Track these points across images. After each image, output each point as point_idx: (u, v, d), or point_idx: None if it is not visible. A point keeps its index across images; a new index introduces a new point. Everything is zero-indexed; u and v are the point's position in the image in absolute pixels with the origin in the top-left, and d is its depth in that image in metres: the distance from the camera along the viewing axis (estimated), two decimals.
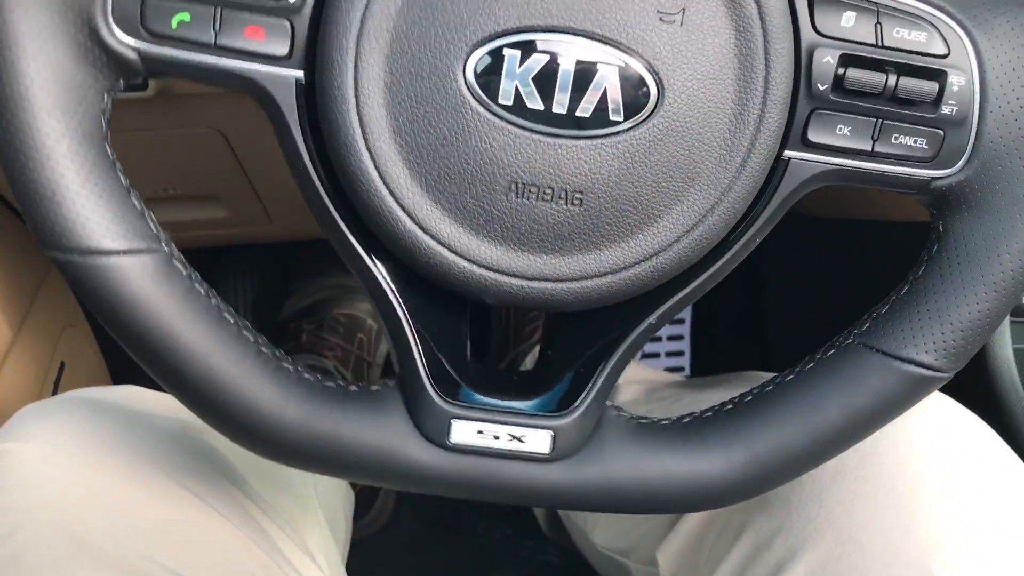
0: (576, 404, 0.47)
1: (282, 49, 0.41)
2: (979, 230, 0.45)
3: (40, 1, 0.39)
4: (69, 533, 0.51)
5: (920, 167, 0.45)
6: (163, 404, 0.61)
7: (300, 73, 0.41)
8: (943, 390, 0.50)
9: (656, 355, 1.44)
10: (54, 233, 0.41)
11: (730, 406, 0.49)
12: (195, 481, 0.57)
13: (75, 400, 0.59)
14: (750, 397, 0.49)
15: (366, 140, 0.41)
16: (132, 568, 0.51)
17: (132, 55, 0.41)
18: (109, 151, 0.42)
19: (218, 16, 0.40)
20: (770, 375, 0.50)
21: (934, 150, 0.44)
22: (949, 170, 0.45)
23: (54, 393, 1.01)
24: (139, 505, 0.54)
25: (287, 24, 0.41)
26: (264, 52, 0.41)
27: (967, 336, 0.46)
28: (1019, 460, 0.58)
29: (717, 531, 0.65)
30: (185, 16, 0.40)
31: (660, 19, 0.41)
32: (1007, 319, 0.84)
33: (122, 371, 1.22)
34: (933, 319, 0.46)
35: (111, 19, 0.40)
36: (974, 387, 0.82)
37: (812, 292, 1.15)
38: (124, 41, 0.40)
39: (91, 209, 0.40)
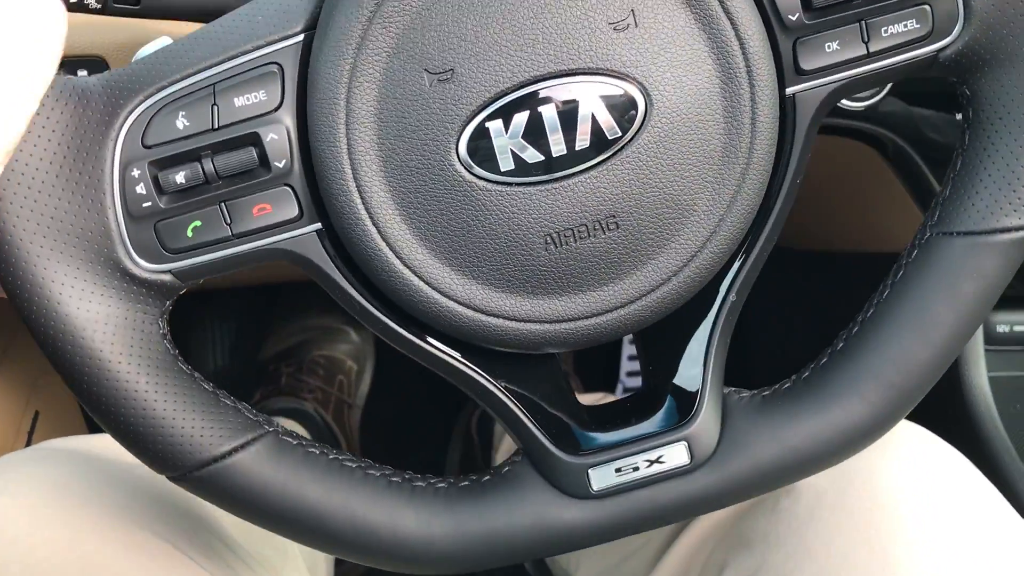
0: (696, 404, 0.47)
1: (292, 212, 0.43)
2: (1006, 78, 0.45)
3: (73, 272, 0.41)
4: None
5: (921, 46, 0.44)
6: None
7: (318, 224, 0.43)
8: (919, 421, 0.50)
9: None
10: (166, 464, 0.44)
11: (841, 344, 0.48)
12: (173, 532, 0.56)
13: (52, 451, 0.58)
14: (856, 328, 0.48)
15: (400, 259, 0.42)
16: None
17: (167, 278, 0.43)
18: (183, 366, 0.44)
19: (225, 210, 0.42)
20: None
21: (927, 26, 0.44)
22: (950, 37, 0.44)
23: (29, 442, 1.00)
24: (117, 559, 0.53)
25: (288, 189, 0.42)
26: (278, 221, 0.43)
27: None
28: (997, 492, 0.58)
29: (699, 569, 0.65)
30: (197, 223, 0.42)
31: (615, 29, 0.41)
32: (982, 348, 0.85)
33: None
34: (999, 180, 0.45)
35: (134, 255, 0.42)
36: (951, 417, 0.83)
37: (795, 325, 1.16)
38: (154, 269, 0.42)
39: (194, 427, 0.43)
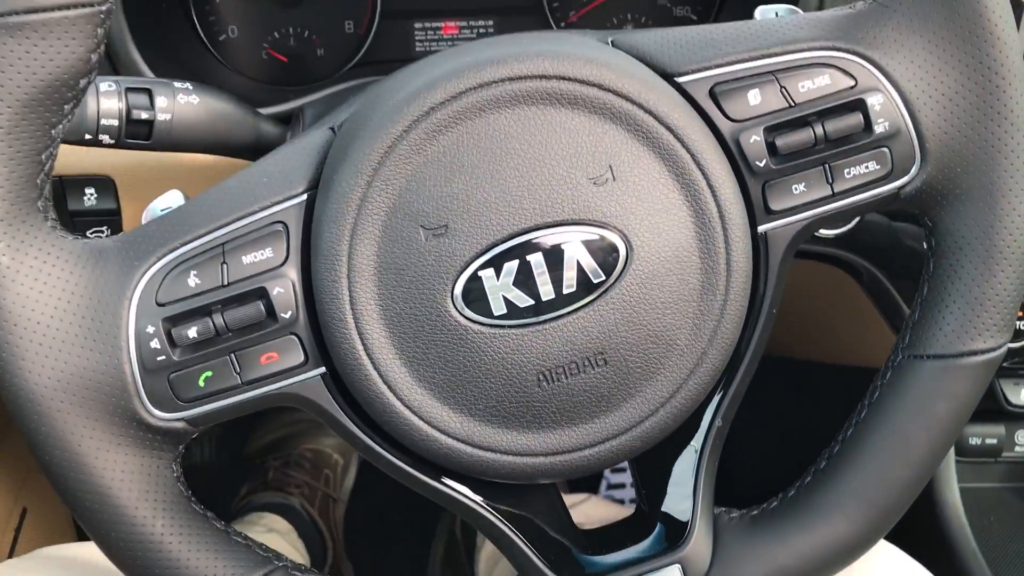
0: (688, 527, 0.49)
1: (298, 358, 0.45)
2: (964, 211, 0.47)
3: (91, 424, 0.44)
4: None
5: (882, 184, 0.47)
6: None
7: (322, 368, 0.46)
8: (893, 535, 0.52)
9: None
10: None
11: (824, 463, 0.50)
12: None
13: (45, 559, 0.60)
14: (837, 447, 0.50)
15: (401, 400, 0.45)
16: None
17: (180, 425, 0.45)
18: (195, 506, 0.47)
19: (234, 360, 0.45)
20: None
21: (887, 166, 0.47)
22: (908, 176, 0.47)
23: (15, 538, 0.99)
24: None
25: (294, 338, 0.45)
26: (285, 368, 0.45)
27: (1005, 305, 0.48)
28: None
29: None
30: (208, 373, 0.45)
31: (594, 183, 0.44)
32: (953, 461, 0.87)
33: None
34: (963, 306, 0.48)
35: (149, 406, 0.44)
36: (924, 532, 0.84)
37: (774, 432, 1.18)
38: (168, 418, 0.45)
39: (207, 566, 0.45)
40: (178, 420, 0.45)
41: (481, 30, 0.84)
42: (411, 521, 1.40)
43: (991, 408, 0.87)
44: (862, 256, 0.75)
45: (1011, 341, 0.50)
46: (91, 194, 0.72)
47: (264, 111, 0.67)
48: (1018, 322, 0.81)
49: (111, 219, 0.74)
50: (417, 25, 0.83)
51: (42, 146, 0.43)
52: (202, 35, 0.80)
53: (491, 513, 0.48)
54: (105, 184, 0.72)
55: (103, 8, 0.42)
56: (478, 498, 0.48)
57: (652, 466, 0.51)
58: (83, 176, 0.72)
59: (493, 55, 0.44)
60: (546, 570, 0.48)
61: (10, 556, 0.98)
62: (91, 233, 0.75)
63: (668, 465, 0.50)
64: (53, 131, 0.44)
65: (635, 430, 0.46)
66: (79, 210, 0.73)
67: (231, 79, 0.80)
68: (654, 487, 0.50)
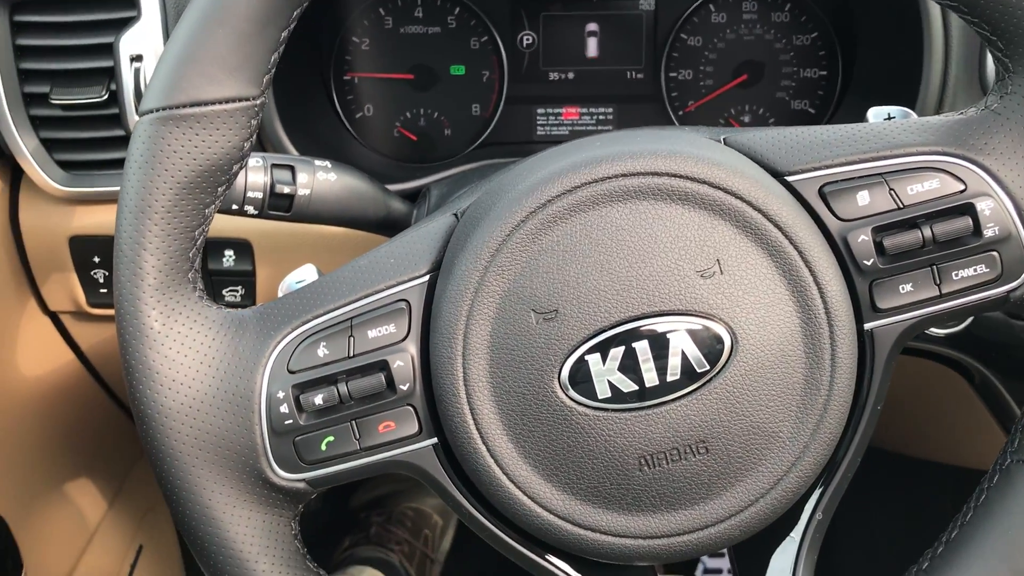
0: None
1: (413, 428, 0.48)
2: None
3: (222, 480, 0.48)
4: None
5: (991, 287, 0.47)
6: None
7: (434, 439, 0.48)
8: None
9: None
10: None
11: (927, 563, 0.50)
12: None
13: None
14: (941, 548, 0.50)
15: (507, 475, 0.47)
16: None
17: (301, 486, 0.49)
18: (310, 564, 0.50)
19: (355, 427, 0.48)
20: None
21: (996, 270, 0.47)
22: (1019, 279, 0.47)
23: (131, 574, 1.05)
24: None
25: (410, 408, 0.48)
26: (400, 437, 0.48)
27: None
28: None
29: None
30: (330, 438, 0.48)
31: (701, 276, 0.46)
32: None
33: None
34: None
35: (275, 466, 0.48)
36: None
37: (873, 525, 1.15)
38: (291, 478, 0.48)
39: None
40: (300, 481, 0.48)
41: (601, 116, 0.87)
42: None
43: None
44: (974, 356, 0.74)
45: None
46: (230, 256, 0.79)
47: (393, 187, 0.71)
48: None
49: (246, 280, 0.80)
50: (539, 110, 0.87)
51: (196, 223, 0.48)
52: (340, 114, 0.86)
53: None
54: (244, 247, 0.78)
55: (258, 102, 0.47)
56: (577, 573, 0.49)
57: (751, 555, 0.51)
58: (224, 239, 0.78)
59: (609, 152, 0.47)
60: None
61: None
62: (227, 291, 0.80)
63: (767, 555, 0.50)
64: (207, 210, 0.49)
65: (734, 519, 0.47)
66: (218, 270, 0.80)
67: (364, 155, 0.86)
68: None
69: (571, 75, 0.87)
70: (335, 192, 0.62)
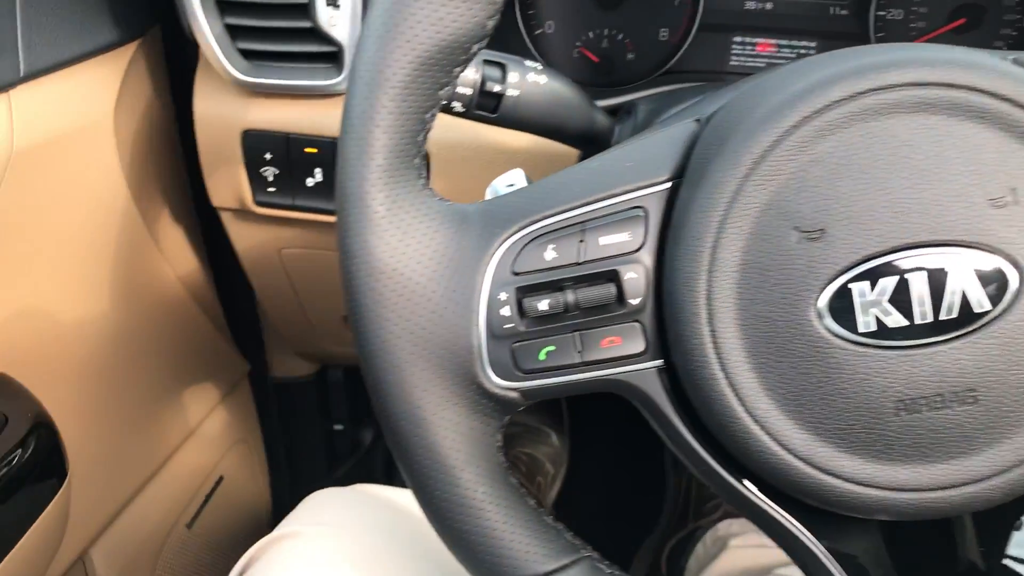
0: None
1: (639, 347, 0.44)
2: None
3: (434, 380, 0.45)
4: None
5: None
6: None
7: (659, 362, 0.45)
8: None
9: None
10: (496, 572, 0.46)
11: None
12: None
13: (361, 493, 0.64)
14: None
15: (744, 406, 0.43)
16: None
17: (513, 395, 0.45)
18: (512, 479, 0.47)
19: (578, 338, 0.44)
20: None
21: None
22: None
23: (205, 502, 1.04)
24: None
25: (638, 325, 0.44)
26: (624, 355, 0.44)
27: None
28: None
29: None
30: (550, 347, 0.45)
31: (993, 205, 0.41)
32: None
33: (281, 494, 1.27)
34: None
35: (489, 372, 0.45)
36: None
37: None
38: (505, 386, 0.45)
39: (520, 542, 0.45)
40: (513, 390, 0.45)
41: (802, 51, 0.81)
42: (609, 545, 1.38)
43: None
44: None
45: None
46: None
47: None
48: None
49: None
50: (736, 39, 0.82)
51: (428, 105, 0.45)
52: (521, 27, 0.82)
53: (814, 543, 0.45)
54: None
55: None
56: (804, 528, 0.45)
57: (997, 523, 0.46)
58: None
59: (900, 58, 0.42)
60: None
61: (194, 519, 1.03)
62: None
63: (1010, 523, 0.45)
64: (440, 92, 0.45)
65: (996, 479, 0.42)
66: None
67: None
68: (997, 547, 0.46)
69: (769, 5, 0.81)
70: (543, 97, 0.58)
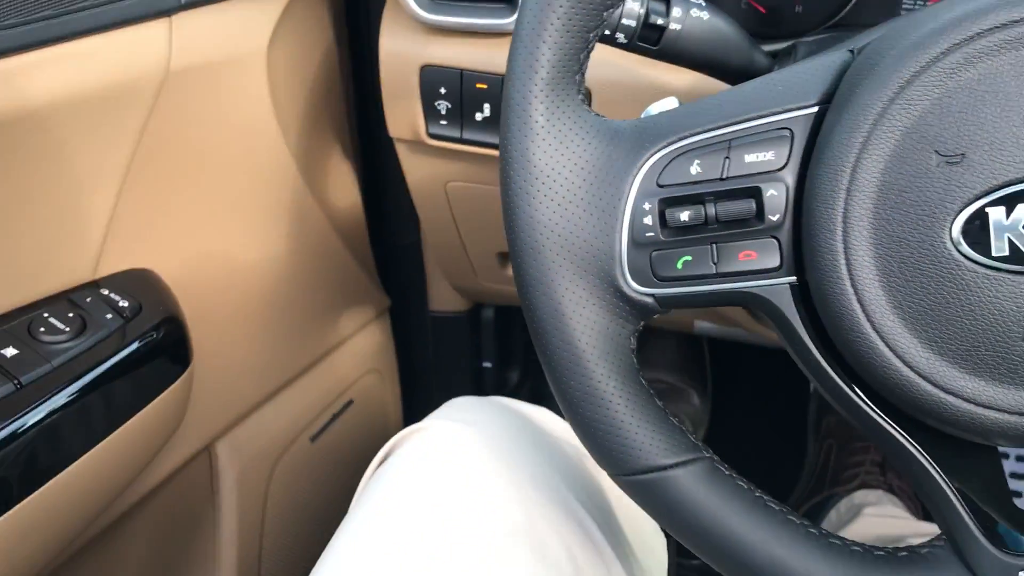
0: None
1: (774, 262, 0.47)
2: None
3: (577, 279, 0.48)
4: (503, 517, 0.60)
5: None
6: (569, 433, 0.69)
7: (792, 278, 0.47)
8: None
9: None
10: (612, 461, 0.50)
11: None
12: (584, 509, 0.65)
13: (499, 405, 0.69)
14: None
15: (871, 323, 0.44)
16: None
17: (649, 300, 0.49)
18: (643, 380, 0.50)
19: (714, 250, 0.47)
20: None
21: None
22: None
23: (330, 421, 1.11)
24: (538, 508, 0.62)
25: (774, 241, 0.47)
26: (759, 268, 0.47)
27: None
28: None
29: None
30: (687, 257, 0.47)
31: None
32: None
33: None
34: None
35: (628, 277, 0.48)
36: None
37: None
38: (641, 291, 0.48)
39: (644, 435, 0.49)
40: (649, 296, 0.48)
41: None
42: None
43: None
44: None
45: None
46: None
47: None
48: None
49: None
50: None
51: (593, 25, 0.48)
52: None
53: (930, 463, 0.47)
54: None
55: None
56: (919, 445, 0.47)
57: None
58: None
59: None
60: (978, 534, 0.46)
61: (319, 434, 1.09)
62: None
63: None
64: (605, 12, 0.49)
65: None
66: None
67: None
68: None
69: None
70: (704, 32, 0.61)
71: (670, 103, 0.53)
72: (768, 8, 0.84)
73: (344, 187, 1.05)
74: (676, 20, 0.60)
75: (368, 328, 1.16)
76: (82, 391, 0.66)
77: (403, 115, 0.85)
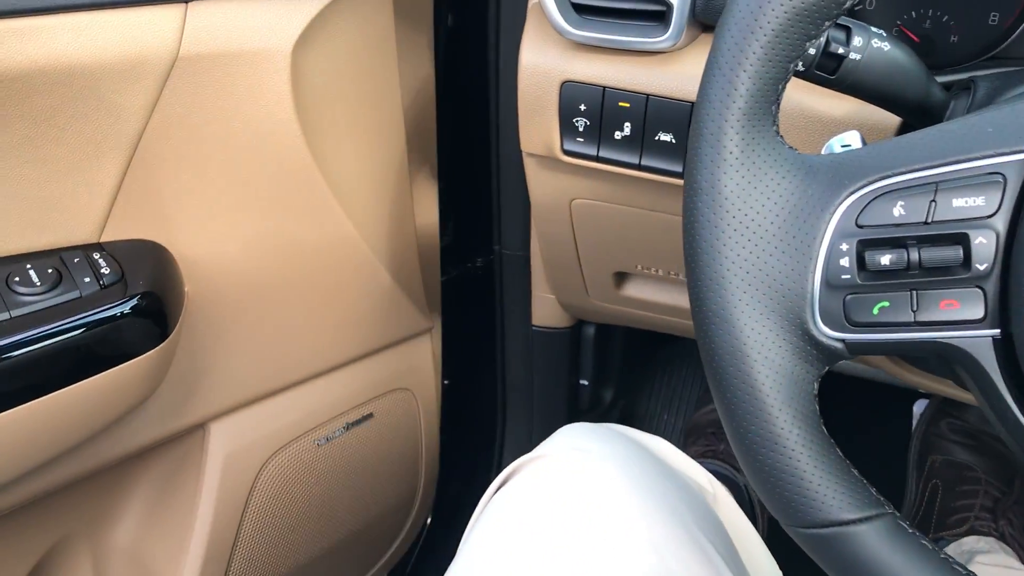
0: None
1: (977, 313, 0.44)
2: None
3: (763, 319, 0.46)
4: (634, 558, 0.58)
5: None
6: (687, 464, 0.67)
7: (996, 331, 0.44)
8: None
9: None
10: (797, 512, 0.47)
11: None
12: (711, 544, 0.61)
13: (616, 432, 0.67)
14: None
15: None
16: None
17: (839, 346, 0.47)
18: (824, 429, 0.48)
19: (914, 297, 0.45)
20: None
21: None
22: None
23: (343, 431, 1.08)
24: (670, 549, 0.59)
25: (979, 291, 0.44)
26: (960, 319, 0.45)
27: None
28: None
29: None
30: (884, 303, 0.45)
31: None
32: None
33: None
34: None
35: (819, 319, 0.46)
36: None
37: None
38: (832, 335, 0.47)
39: (827, 487, 0.47)
40: (839, 341, 0.46)
41: None
42: None
43: None
44: None
45: None
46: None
47: None
48: None
49: None
50: None
51: (794, 55, 0.47)
52: None
53: None
54: None
55: None
56: None
57: None
58: None
59: None
60: None
61: (327, 440, 1.07)
62: None
63: None
64: (807, 43, 0.47)
65: None
66: None
67: None
68: None
69: None
70: (884, 64, 0.59)
71: (852, 138, 0.51)
72: (921, 37, 0.81)
73: (395, 202, 1.03)
74: (856, 50, 0.58)
75: (402, 346, 1.14)
76: (25, 343, 0.69)
77: (538, 130, 0.84)
